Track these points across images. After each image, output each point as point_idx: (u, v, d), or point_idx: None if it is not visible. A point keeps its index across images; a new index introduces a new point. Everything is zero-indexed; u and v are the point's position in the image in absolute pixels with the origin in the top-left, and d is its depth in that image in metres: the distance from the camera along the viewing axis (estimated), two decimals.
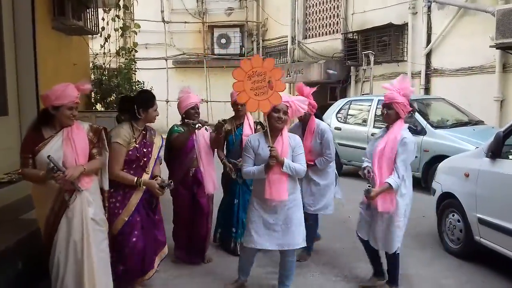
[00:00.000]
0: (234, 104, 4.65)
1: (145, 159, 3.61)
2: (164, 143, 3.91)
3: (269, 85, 3.49)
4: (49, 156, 2.90)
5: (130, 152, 3.53)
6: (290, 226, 3.61)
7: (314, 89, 4.46)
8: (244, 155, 3.67)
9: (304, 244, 3.69)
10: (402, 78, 4.02)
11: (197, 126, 4.09)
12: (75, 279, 3.05)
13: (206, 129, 4.46)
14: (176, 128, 4.41)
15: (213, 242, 4.96)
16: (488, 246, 4.32)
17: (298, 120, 4.63)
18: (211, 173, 4.48)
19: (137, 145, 3.57)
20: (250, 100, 3.51)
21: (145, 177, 3.61)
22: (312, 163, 4.45)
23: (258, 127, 4.72)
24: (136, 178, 3.52)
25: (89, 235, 3.09)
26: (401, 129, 3.84)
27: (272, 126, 3.57)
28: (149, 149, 3.66)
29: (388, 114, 3.87)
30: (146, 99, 3.66)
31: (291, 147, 3.61)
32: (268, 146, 3.46)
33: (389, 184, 3.65)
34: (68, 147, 3.06)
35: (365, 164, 3.92)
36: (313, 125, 4.46)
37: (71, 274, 3.05)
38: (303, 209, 4.56)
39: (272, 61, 3.61)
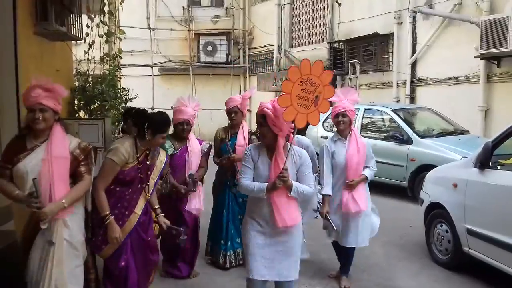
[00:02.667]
0: (228, 113, 4.55)
1: (146, 182, 3.33)
2: (167, 160, 3.62)
3: (315, 101, 3.00)
4: (34, 179, 2.68)
5: (126, 172, 3.20)
6: (291, 255, 3.17)
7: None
8: (243, 165, 3.21)
9: (296, 277, 3.23)
10: (347, 89, 4.50)
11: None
12: None
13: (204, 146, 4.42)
14: (167, 142, 4.20)
15: (205, 255, 4.84)
16: (476, 257, 4.30)
17: None
18: (199, 191, 4.34)
19: (139, 165, 3.24)
20: (290, 107, 2.97)
21: (141, 203, 3.29)
22: None
23: (253, 137, 4.62)
24: (107, 213, 3.12)
25: (62, 259, 2.82)
26: (359, 135, 4.33)
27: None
28: (149, 172, 3.35)
29: (344, 122, 4.18)
30: (159, 122, 3.28)
31: (295, 165, 3.15)
32: (283, 169, 3.00)
33: (366, 176, 4.21)
34: (45, 169, 2.79)
35: (325, 192, 4.17)
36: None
37: None
38: None
39: (330, 75, 3.07)
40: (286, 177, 2.98)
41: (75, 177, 2.96)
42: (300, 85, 2.97)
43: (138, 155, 3.24)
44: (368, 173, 4.24)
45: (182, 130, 4.24)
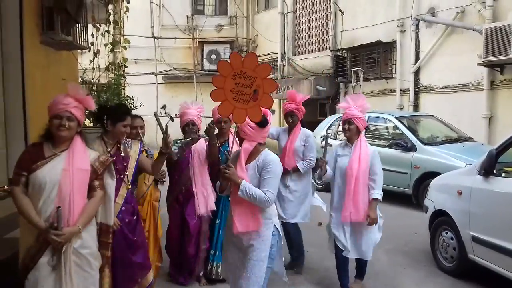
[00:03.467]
0: (217, 122, 4.42)
1: (125, 173, 3.41)
2: (142, 148, 3.61)
3: (254, 96, 2.83)
4: (59, 207, 2.64)
5: None
6: (247, 266, 2.95)
7: (308, 97, 4.77)
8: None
9: None
10: (357, 95, 4.35)
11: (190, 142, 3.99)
12: None
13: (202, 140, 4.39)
14: (176, 144, 4.27)
15: None
16: (482, 264, 4.29)
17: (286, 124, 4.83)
18: (205, 193, 4.32)
19: (112, 158, 3.23)
20: (225, 102, 2.87)
21: (122, 192, 3.37)
22: (289, 168, 4.63)
23: None
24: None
25: (72, 270, 2.74)
26: (367, 143, 4.18)
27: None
28: (125, 163, 3.43)
29: (350, 129, 4.15)
30: (117, 111, 3.40)
31: (257, 168, 2.98)
32: (227, 165, 2.90)
33: (377, 198, 4.05)
34: (66, 178, 2.75)
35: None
36: (299, 129, 4.75)
37: None
38: (280, 219, 4.57)
39: (269, 68, 2.89)
40: (227, 174, 2.88)
41: (89, 190, 2.92)
42: (234, 79, 2.82)
43: (108, 150, 3.34)
44: (378, 195, 4.03)
45: (188, 132, 4.29)
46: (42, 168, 2.75)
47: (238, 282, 2.98)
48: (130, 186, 3.47)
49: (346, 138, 4.28)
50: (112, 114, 3.36)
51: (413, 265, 5.10)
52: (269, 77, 2.86)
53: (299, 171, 4.66)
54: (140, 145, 3.60)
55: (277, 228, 3.07)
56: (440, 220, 4.95)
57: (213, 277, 4.47)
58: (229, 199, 4.22)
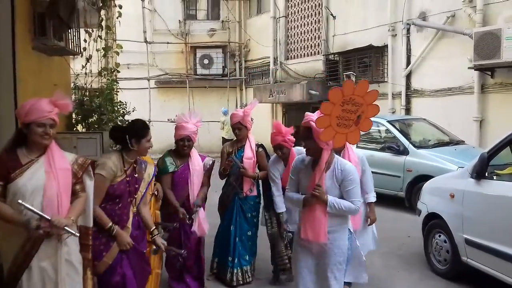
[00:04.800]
0: (233, 129, 4.60)
1: (134, 196, 3.32)
2: (155, 172, 3.59)
3: (356, 120, 2.93)
4: (18, 202, 2.53)
5: (115, 186, 3.18)
6: (325, 270, 3.11)
7: (291, 129, 4.43)
8: (290, 178, 3.31)
9: None
10: None
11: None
12: None
13: (207, 163, 4.38)
14: (166, 158, 4.24)
15: (210, 271, 4.77)
16: (475, 267, 4.32)
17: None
18: (201, 216, 4.22)
19: (127, 179, 3.23)
20: (329, 128, 2.92)
21: (130, 216, 3.29)
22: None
23: (260, 149, 4.65)
24: (110, 224, 3.14)
25: (64, 279, 2.71)
26: (353, 150, 4.12)
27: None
28: (137, 185, 3.33)
29: None
30: (138, 128, 3.30)
31: (336, 179, 3.07)
32: (317, 185, 2.99)
33: (373, 202, 4.20)
34: (50, 180, 2.68)
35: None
36: (294, 157, 4.49)
37: None
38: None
39: (376, 94, 2.99)
40: (318, 194, 2.96)
41: (71, 195, 2.86)
42: (342, 105, 2.91)
43: (125, 168, 3.25)
44: (373, 198, 4.19)
45: (183, 146, 4.15)
46: (21, 176, 2.65)
47: (318, 285, 3.12)
48: (135, 210, 3.36)
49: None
50: (136, 132, 3.26)
51: (406, 268, 5.12)
52: (374, 103, 2.96)
53: None
54: (154, 169, 3.52)
55: (350, 231, 3.28)
56: (433, 223, 4.98)
57: (234, 284, 4.49)
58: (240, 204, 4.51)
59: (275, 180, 4.35)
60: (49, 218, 2.60)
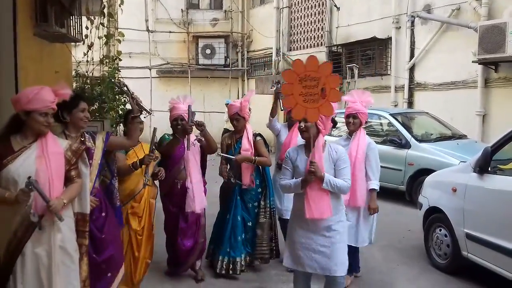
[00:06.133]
0: (231, 119, 4.58)
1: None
2: (108, 138, 3.43)
3: (322, 93, 3.09)
4: (30, 177, 2.57)
5: None
6: (333, 250, 3.28)
7: None
8: (283, 167, 3.46)
9: (344, 273, 3.36)
10: (362, 91, 4.55)
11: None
12: None
13: (198, 141, 4.37)
14: (166, 136, 4.40)
15: (205, 258, 4.80)
16: (475, 261, 4.32)
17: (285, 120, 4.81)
18: (198, 191, 4.32)
19: None
20: (297, 106, 3.14)
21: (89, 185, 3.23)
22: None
23: (258, 138, 4.64)
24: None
25: (58, 266, 2.74)
26: (365, 136, 4.36)
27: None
28: (89, 155, 3.26)
29: (354, 123, 4.33)
30: (68, 100, 3.18)
31: (332, 160, 3.30)
32: (311, 162, 3.16)
33: (375, 189, 4.25)
34: (42, 164, 2.71)
35: None
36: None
37: None
38: (283, 216, 4.75)
39: (330, 66, 3.22)
40: (313, 169, 3.11)
41: (65, 181, 2.88)
42: (300, 83, 3.10)
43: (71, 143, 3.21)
44: (375, 185, 4.27)
45: (176, 126, 4.28)
46: (13, 162, 2.68)
47: (326, 267, 3.27)
48: (93, 180, 3.27)
49: (348, 131, 4.41)
50: (65, 104, 3.17)
51: (406, 262, 5.12)
52: (332, 74, 3.13)
53: None
54: (107, 135, 3.43)
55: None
56: (434, 217, 4.96)
57: (223, 272, 4.50)
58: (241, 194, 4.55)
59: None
60: (49, 200, 2.64)
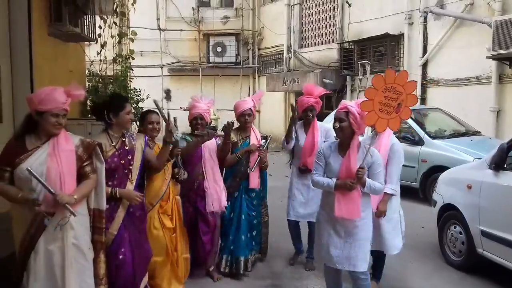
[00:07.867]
0: (242, 116, 4.46)
1: (129, 168, 3.36)
2: (146, 140, 3.56)
3: (397, 108, 3.18)
4: (27, 169, 2.60)
5: (109, 161, 3.22)
6: (354, 246, 3.35)
7: (325, 90, 4.77)
8: (315, 162, 3.48)
9: (365, 269, 3.40)
10: None
11: (205, 136, 3.96)
12: None
13: (214, 137, 4.35)
14: (182, 141, 4.23)
15: None
16: (491, 259, 4.28)
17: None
18: (217, 190, 4.29)
19: (117, 152, 3.29)
20: (371, 112, 3.18)
21: (129, 186, 3.32)
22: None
23: (263, 141, 4.60)
24: (111, 189, 3.23)
25: (71, 264, 2.75)
26: (390, 137, 4.10)
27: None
28: (131, 156, 3.36)
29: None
30: (115, 102, 3.38)
31: (366, 163, 3.29)
32: (360, 168, 3.19)
33: (389, 194, 3.99)
34: (53, 162, 2.73)
35: None
36: (317, 124, 4.68)
37: None
38: (294, 218, 4.74)
39: (414, 85, 3.33)
40: (360, 176, 3.19)
41: (80, 177, 2.90)
42: (384, 92, 3.17)
43: (114, 143, 3.31)
44: (390, 190, 3.98)
45: (196, 125, 4.25)
46: (26, 161, 2.70)
47: (346, 262, 3.35)
48: (134, 181, 3.37)
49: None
50: (112, 105, 3.32)
51: (420, 259, 5.09)
52: (413, 93, 3.24)
53: None
54: (145, 138, 3.54)
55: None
56: (449, 214, 4.93)
57: (226, 270, 4.47)
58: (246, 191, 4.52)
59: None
60: (54, 192, 2.66)
